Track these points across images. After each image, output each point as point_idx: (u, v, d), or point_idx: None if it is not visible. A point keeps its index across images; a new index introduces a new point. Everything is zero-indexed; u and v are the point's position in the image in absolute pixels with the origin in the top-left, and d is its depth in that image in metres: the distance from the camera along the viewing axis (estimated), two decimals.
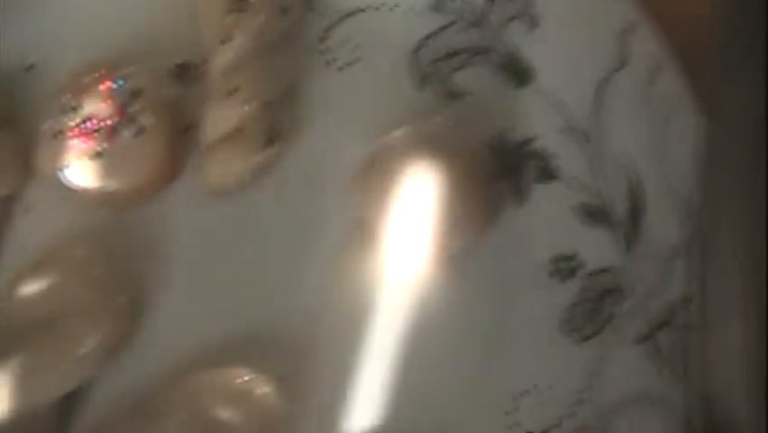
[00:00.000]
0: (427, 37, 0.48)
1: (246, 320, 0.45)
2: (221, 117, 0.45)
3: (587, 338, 0.44)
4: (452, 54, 0.47)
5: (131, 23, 0.48)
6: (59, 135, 0.44)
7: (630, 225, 0.44)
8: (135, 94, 0.44)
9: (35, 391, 0.42)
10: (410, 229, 0.43)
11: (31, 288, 0.44)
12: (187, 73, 0.47)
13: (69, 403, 0.44)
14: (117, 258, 0.45)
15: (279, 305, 0.45)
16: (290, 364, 0.43)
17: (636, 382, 0.43)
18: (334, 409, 0.43)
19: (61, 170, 0.44)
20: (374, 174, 0.44)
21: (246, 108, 0.44)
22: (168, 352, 0.44)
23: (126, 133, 0.44)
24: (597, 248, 0.45)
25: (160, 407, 0.43)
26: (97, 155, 0.44)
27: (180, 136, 0.46)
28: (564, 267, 0.45)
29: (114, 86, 0.44)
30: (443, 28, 0.48)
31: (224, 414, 0.43)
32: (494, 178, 0.45)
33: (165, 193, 0.46)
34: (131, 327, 0.44)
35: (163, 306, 0.45)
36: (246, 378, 0.43)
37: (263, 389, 0.43)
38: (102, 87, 0.44)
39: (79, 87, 0.45)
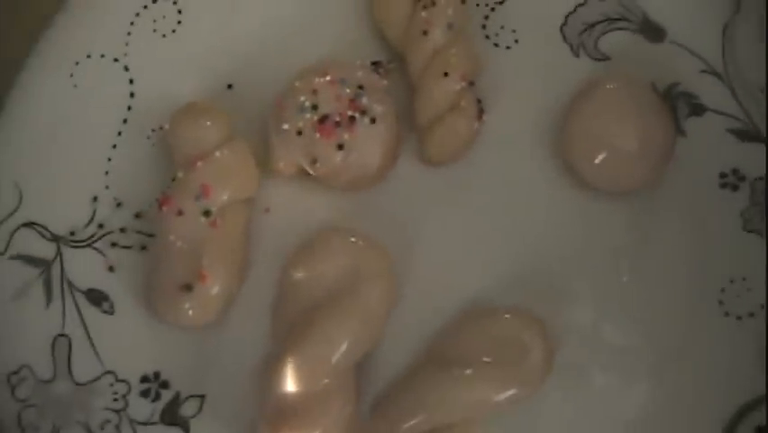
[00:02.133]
0: (569, 14, 0.56)
1: (494, 268, 0.51)
2: (439, 97, 0.51)
3: None
4: (593, 24, 0.56)
5: (316, 39, 0.54)
6: (302, 133, 0.49)
7: None
8: (360, 88, 0.50)
9: (341, 355, 0.47)
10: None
11: (310, 268, 0.48)
12: (381, 70, 0.54)
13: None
14: (370, 233, 0.50)
15: (520, 252, 0.51)
16: (546, 305, 0.50)
17: None
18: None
19: (313, 162, 0.49)
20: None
21: (459, 87, 0.51)
22: (434, 305, 0.50)
23: (363, 123, 0.50)
24: (754, 160, 0.53)
25: (445, 350, 0.48)
26: (340, 145, 0.49)
27: (399, 122, 0.52)
28: (731, 180, 0.53)
29: (341, 83, 0.50)
30: (582, 4, 0.56)
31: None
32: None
33: (394, 172, 0.52)
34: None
35: (420, 267, 0.50)
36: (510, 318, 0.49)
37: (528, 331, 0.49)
38: (332, 86, 0.50)
39: (312, 88, 0.50)
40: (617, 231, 0.53)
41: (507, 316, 0.49)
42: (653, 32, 0.55)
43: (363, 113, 0.50)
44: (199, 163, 0.49)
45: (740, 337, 0.51)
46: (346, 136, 0.49)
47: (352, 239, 0.49)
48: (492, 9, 0.56)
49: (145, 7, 0.54)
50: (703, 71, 0.54)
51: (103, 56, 0.53)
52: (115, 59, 0.53)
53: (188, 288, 0.48)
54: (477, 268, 0.51)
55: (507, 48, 0.55)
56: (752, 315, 0.51)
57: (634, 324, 0.51)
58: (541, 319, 0.49)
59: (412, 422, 0.47)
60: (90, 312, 0.50)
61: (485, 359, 0.48)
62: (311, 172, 0.50)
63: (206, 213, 0.48)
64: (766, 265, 0.51)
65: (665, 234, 0.53)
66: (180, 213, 0.48)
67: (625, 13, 0.56)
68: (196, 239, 0.48)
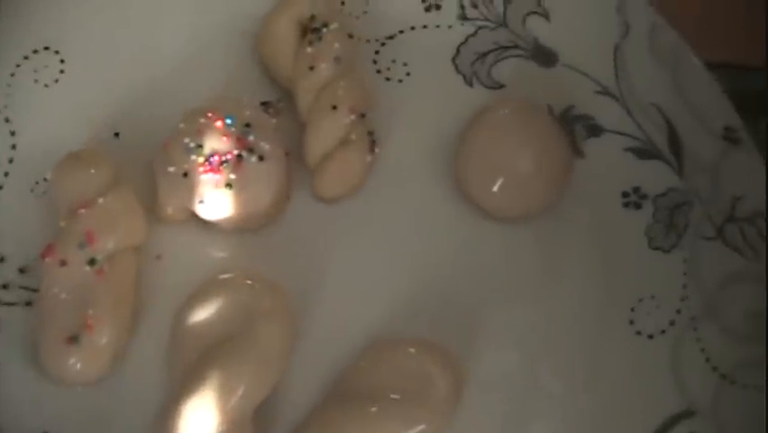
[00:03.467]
0: (460, 45, 0.56)
1: (397, 302, 0.50)
2: (328, 132, 0.50)
3: (673, 246, 0.51)
4: (485, 53, 0.56)
5: (204, 81, 0.53)
6: (188, 174, 0.48)
7: (674, 151, 0.53)
8: (247, 126, 0.49)
9: (238, 400, 0.45)
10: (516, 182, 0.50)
11: (203, 312, 0.46)
12: (270, 110, 0.53)
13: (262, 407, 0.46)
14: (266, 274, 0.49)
15: (423, 284, 0.50)
16: (453, 337, 0.49)
17: (725, 267, 0.51)
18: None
19: (200, 203, 0.48)
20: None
21: (348, 120, 0.50)
22: (337, 343, 0.48)
23: (250, 161, 0.48)
24: (654, 177, 0.53)
25: (349, 388, 0.47)
26: (228, 185, 0.48)
27: (289, 159, 0.51)
28: (633, 198, 0.53)
29: (228, 122, 0.49)
30: (473, 35, 0.56)
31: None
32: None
33: (288, 211, 0.51)
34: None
35: (321, 305, 0.49)
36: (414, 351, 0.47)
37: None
38: (218, 125, 0.49)
39: (197, 129, 0.48)
40: (521, 257, 0.52)
41: (411, 349, 0.47)
42: (545, 56, 0.55)
43: (251, 151, 0.48)
44: (82, 211, 0.47)
45: (653, 355, 0.49)
46: (233, 175, 0.48)
47: (247, 281, 0.47)
48: (382, 44, 0.55)
49: (26, 57, 0.53)
50: (598, 92, 0.54)
51: None
52: None
53: (75, 339, 0.45)
54: (379, 302, 0.50)
55: (400, 81, 0.55)
56: (663, 332, 0.50)
57: (545, 350, 0.50)
58: (447, 349, 0.47)
59: None
60: None
61: (392, 396, 0.46)
62: (200, 215, 0.49)
63: (92, 261, 0.46)
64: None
65: (571, 257, 0.52)
66: (64, 263, 0.46)
67: (516, 40, 0.55)
68: (82, 289, 0.46)
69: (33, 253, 0.49)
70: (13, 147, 0.52)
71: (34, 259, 0.49)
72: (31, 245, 0.49)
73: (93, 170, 0.48)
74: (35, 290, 0.48)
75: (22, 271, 0.49)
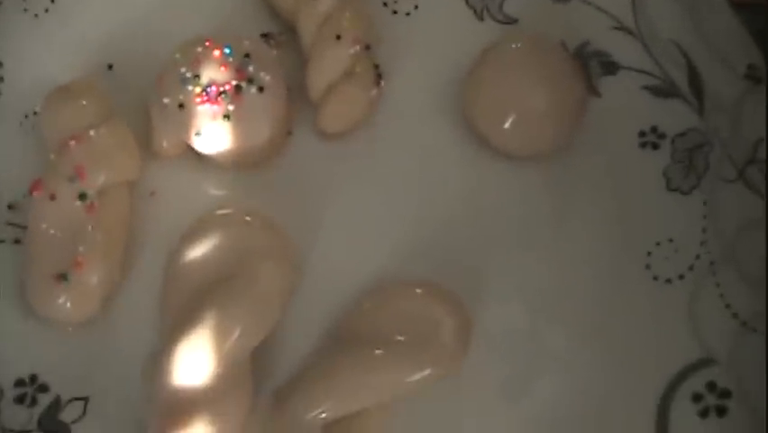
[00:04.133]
0: None
1: (402, 242, 0.47)
2: (331, 63, 0.48)
3: (693, 188, 0.49)
4: None
5: (203, 13, 0.51)
6: (184, 106, 0.46)
7: (694, 90, 0.51)
8: (246, 56, 0.46)
9: (234, 342, 0.43)
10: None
11: (198, 250, 0.44)
12: (271, 42, 0.50)
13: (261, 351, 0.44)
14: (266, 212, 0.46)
15: (429, 225, 0.48)
16: (460, 279, 0.46)
17: (745, 211, 0.48)
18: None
19: (197, 135, 0.46)
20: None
21: (353, 51, 0.48)
22: (340, 284, 0.46)
23: (249, 92, 0.46)
24: (673, 117, 0.50)
25: (352, 331, 0.44)
26: (226, 116, 0.46)
27: (289, 93, 0.48)
28: (651, 138, 0.50)
29: (227, 51, 0.46)
30: None
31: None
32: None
33: (289, 147, 0.48)
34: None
35: (323, 245, 0.46)
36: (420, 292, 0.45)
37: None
38: (215, 55, 0.46)
39: (193, 59, 0.46)
40: (531, 198, 0.49)
41: (417, 290, 0.45)
42: None
43: (250, 81, 0.46)
44: (72, 143, 0.45)
45: (671, 301, 0.47)
46: (232, 106, 0.45)
47: (245, 217, 0.45)
48: None
49: None
50: (614, 28, 0.52)
51: None
52: None
53: (63, 277, 0.43)
54: (384, 243, 0.47)
55: (407, 14, 0.52)
56: (681, 277, 0.48)
57: (557, 295, 0.48)
58: (454, 292, 0.45)
59: (317, 411, 0.43)
60: None
61: (397, 338, 0.44)
62: (196, 148, 0.46)
63: (82, 196, 0.44)
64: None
65: (585, 199, 0.49)
66: (53, 197, 0.44)
67: None
68: (72, 225, 0.44)
69: (22, 189, 0.47)
70: (1, 79, 0.49)
71: (24, 195, 0.47)
72: (20, 181, 0.47)
73: (84, 102, 0.46)
74: (24, 228, 0.46)
75: (10, 207, 0.47)
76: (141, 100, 0.48)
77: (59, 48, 0.50)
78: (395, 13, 0.52)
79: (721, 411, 0.44)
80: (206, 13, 0.51)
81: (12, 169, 0.48)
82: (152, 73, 0.48)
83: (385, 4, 0.52)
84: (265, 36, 0.50)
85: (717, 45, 0.51)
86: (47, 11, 0.50)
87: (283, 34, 0.50)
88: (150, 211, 0.47)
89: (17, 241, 0.47)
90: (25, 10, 0.50)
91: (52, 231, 0.44)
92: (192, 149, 0.47)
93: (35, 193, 0.44)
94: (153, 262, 0.46)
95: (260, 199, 0.47)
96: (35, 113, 0.48)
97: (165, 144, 0.47)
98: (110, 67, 0.50)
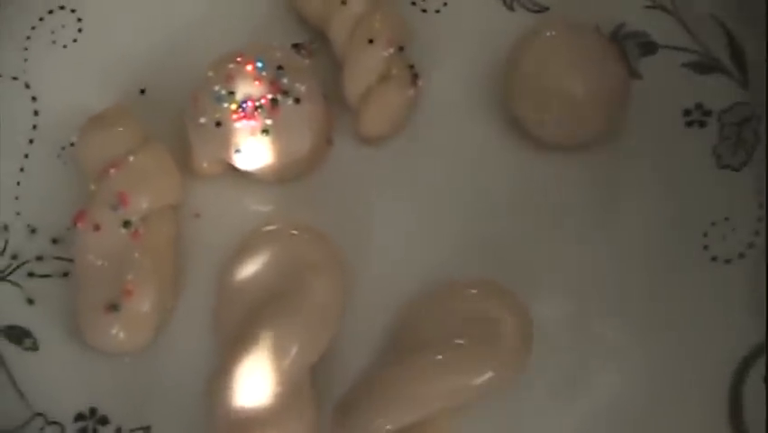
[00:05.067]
0: None
1: (453, 243, 0.46)
2: (367, 67, 0.47)
3: (743, 163, 0.48)
4: None
5: (231, 30, 0.50)
6: (222, 124, 0.45)
7: (736, 62, 0.49)
8: (280, 68, 0.46)
9: (293, 360, 0.42)
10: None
11: (248, 269, 0.44)
12: (303, 51, 0.49)
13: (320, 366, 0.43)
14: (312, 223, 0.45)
15: (478, 222, 0.47)
16: (515, 276, 0.45)
17: None
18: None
19: (237, 152, 0.45)
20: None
21: (387, 54, 0.47)
22: (393, 291, 0.45)
23: (286, 104, 0.45)
24: (717, 92, 0.49)
25: (409, 338, 0.43)
26: (265, 131, 0.45)
27: (326, 101, 0.47)
28: (696, 116, 0.49)
29: (259, 65, 0.46)
30: None
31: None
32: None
33: (331, 156, 0.47)
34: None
35: (372, 253, 0.46)
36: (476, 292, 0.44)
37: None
38: (248, 70, 0.45)
39: (226, 75, 0.45)
40: (580, 187, 0.48)
41: (473, 291, 0.44)
42: None
43: (286, 93, 0.45)
44: (112, 171, 0.44)
45: (732, 282, 0.46)
46: (269, 121, 0.45)
47: (293, 231, 0.44)
48: None
49: (41, 19, 0.50)
50: (648, 7, 0.51)
51: (0, 76, 0.49)
52: (14, 78, 0.49)
53: (114, 307, 0.43)
54: (434, 245, 0.46)
55: (437, 12, 0.51)
56: (741, 256, 0.46)
57: (615, 284, 0.46)
58: (511, 291, 0.44)
59: (381, 422, 0.42)
60: (11, 351, 0.45)
61: (456, 341, 0.43)
62: (237, 166, 0.46)
63: (126, 224, 0.44)
64: None
65: (635, 183, 0.48)
66: (97, 228, 0.44)
67: None
68: (119, 254, 0.43)
69: (65, 221, 0.46)
70: (36, 113, 0.49)
71: (67, 228, 0.46)
72: (62, 214, 0.47)
73: (120, 129, 0.46)
74: (71, 261, 0.46)
75: (54, 241, 0.47)
76: (177, 122, 0.48)
77: (90, 77, 0.50)
78: (424, 11, 0.51)
79: None
80: (235, 28, 0.50)
81: (53, 202, 0.47)
82: (186, 94, 0.47)
83: (413, 3, 0.51)
84: (296, 46, 0.49)
85: (755, 13, 0.49)
86: (75, 41, 0.50)
87: (314, 42, 0.50)
88: (196, 233, 0.47)
89: (65, 274, 0.46)
90: (54, 42, 0.50)
91: (99, 261, 0.44)
92: (233, 166, 0.46)
93: (79, 225, 0.44)
94: (204, 284, 0.46)
95: (306, 211, 0.46)
96: (72, 144, 0.48)
97: (205, 164, 0.46)
98: (143, 91, 0.49)
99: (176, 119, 0.48)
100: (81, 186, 0.47)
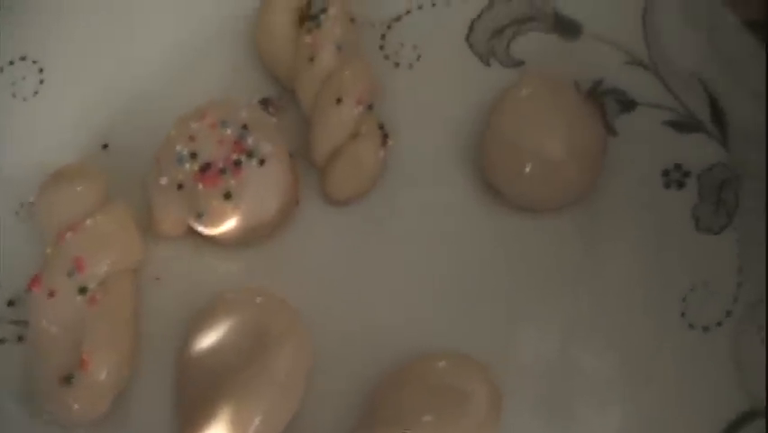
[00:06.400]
0: (474, 20, 0.51)
1: (423, 311, 0.45)
2: (335, 127, 0.46)
3: (724, 227, 0.46)
4: (501, 29, 0.51)
5: (199, 84, 0.49)
6: (183, 186, 0.44)
7: (717, 122, 0.48)
8: (244, 127, 0.44)
9: (258, 428, 0.40)
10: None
11: (209, 338, 0.42)
12: (271, 108, 0.48)
13: None
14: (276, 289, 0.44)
15: (451, 289, 0.46)
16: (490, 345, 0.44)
17: None
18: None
19: (199, 216, 0.43)
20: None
21: (356, 112, 0.46)
22: (360, 361, 0.44)
23: (250, 166, 0.44)
24: (697, 152, 0.48)
25: (377, 412, 0.42)
26: (228, 195, 0.43)
27: (293, 160, 0.46)
28: (675, 176, 0.48)
29: (222, 125, 0.44)
30: (487, 8, 0.51)
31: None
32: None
33: (296, 218, 0.46)
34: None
35: (339, 320, 0.44)
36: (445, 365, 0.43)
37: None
38: (212, 129, 0.44)
39: (189, 135, 0.44)
40: (556, 250, 0.47)
41: (441, 363, 0.42)
42: (567, 28, 0.50)
43: (250, 155, 0.44)
44: (69, 234, 0.43)
45: (712, 351, 0.44)
46: (233, 183, 0.43)
47: (256, 298, 0.43)
48: (388, 26, 0.50)
49: (1, 70, 0.48)
50: (627, 63, 0.49)
51: None
52: None
53: (68, 380, 0.41)
54: (403, 313, 0.45)
55: (410, 66, 0.50)
56: (719, 324, 0.45)
57: (593, 350, 0.45)
58: (481, 363, 0.43)
59: None
60: None
61: (425, 418, 0.41)
62: (200, 230, 0.44)
63: (82, 290, 0.42)
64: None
65: (612, 246, 0.47)
66: (52, 294, 0.42)
67: (534, 12, 0.50)
68: (74, 322, 0.42)
69: (22, 283, 0.45)
70: None
71: (25, 289, 0.44)
72: (19, 275, 0.45)
73: (80, 187, 0.44)
74: (27, 323, 0.44)
75: (10, 303, 0.45)
76: (140, 178, 0.46)
77: (51, 131, 0.48)
78: (397, 65, 0.50)
79: None
80: (202, 81, 0.49)
81: (11, 262, 0.46)
82: (150, 149, 0.46)
83: (386, 57, 0.50)
84: (264, 101, 0.48)
85: (735, 71, 0.48)
86: (36, 93, 0.48)
87: (282, 98, 0.48)
88: (156, 297, 0.45)
89: (21, 338, 0.45)
90: (14, 95, 0.48)
91: (54, 329, 0.42)
92: (195, 228, 0.45)
93: (34, 290, 0.42)
94: (163, 350, 0.44)
95: (271, 276, 0.45)
96: (30, 201, 0.46)
97: (167, 226, 0.45)
98: (105, 146, 0.48)
99: (139, 175, 0.47)
100: (40, 245, 0.45)
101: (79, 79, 0.49)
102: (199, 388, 0.42)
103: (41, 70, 0.49)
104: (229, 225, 0.44)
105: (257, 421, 0.40)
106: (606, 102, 0.49)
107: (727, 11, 0.48)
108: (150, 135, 0.47)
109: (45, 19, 0.48)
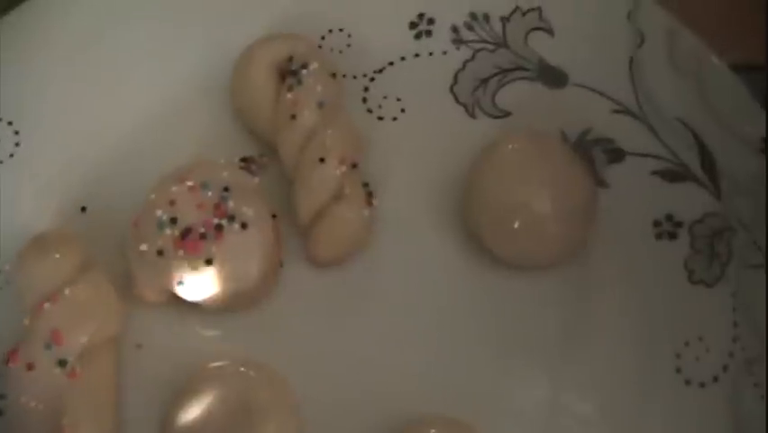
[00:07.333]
0: (458, 72, 0.50)
1: (413, 375, 0.44)
2: (318, 187, 0.45)
3: (717, 279, 0.46)
4: (486, 79, 0.50)
5: (179, 144, 0.48)
6: (164, 252, 0.42)
7: (708, 171, 0.47)
8: (226, 190, 0.43)
9: None
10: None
11: (192, 412, 0.41)
12: (252, 167, 0.47)
13: None
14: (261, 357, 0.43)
15: (441, 352, 0.45)
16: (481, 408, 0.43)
17: None
18: None
19: (180, 284, 0.42)
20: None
21: (339, 172, 0.45)
22: (348, 429, 0.42)
23: (232, 230, 0.43)
24: (688, 202, 0.47)
25: None
26: (209, 261, 0.42)
27: (276, 222, 0.45)
28: (667, 227, 0.47)
29: (203, 188, 0.43)
30: (470, 60, 0.50)
31: None
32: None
33: (280, 282, 0.45)
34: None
35: (326, 388, 0.43)
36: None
37: None
38: (192, 193, 0.43)
39: (169, 199, 0.43)
40: (548, 307, 0.46)
41: (432, 431, 0.41)
42: (552, 77, 0.49)
43: (232, 218, 0.43)
44: (46, 305, 0.41)
45: (708, 407, 0.43)
46: (214, 249, 0.42)
47: (241, 369, 0.42)
48: (371, 79, 0.49)
49: None
50: (615, 111, 0.49)
51: None
52: None
53: None
54: (392, 378, 0.44)
55: (394, 119, 0.49)
56: (716, 379, 0.44)
57: (584, 410, 0.44)
58: (471, 427, 0.42)
59: None
60: None
61: None
62: (181, 297, 0.43)
63: (61, 363, 0.41)
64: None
65: (603, 301, 0.46)
66: (30, 367, 0.41)
67: (519, 61, 0.50)
68: (54, 395, 0.41)
69: (0, 355, 0.43)
70: None
71: (2, 362, 0.43)
72: None
73: (57, 255, 0.43)
74: (4, 397, 0.43)
75: None
76: (120, 241, 0.45)
77: (27, 193, 0.47)
78: (380, 119, 0.49)
79: None
80: (182, 140, 0.48)
81: None
82: (129, 211, 0.45)
83: (369, 111, 0.49)
84: (245, 160, 0.47)
85: (725, 119, 0.47)
86: (12, 156, 0.47)
87: (265, 156, 0.47)
88: (138, 365, 0.44)
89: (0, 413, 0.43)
90: None
91: (33, 403, 0.41)
92: (176, 295, 0.43)
93: (11, 364, 0.41)
94: (146, 422, 0.43)
95: (257, 341, 0.44)
96: (6, 268, 0.45)
97: (147, 293, 0.43)
98: (83, 209, 0.47)
99: (119, 237, 0.45)
100: (19, 313, 0.44)
101: (56, 141, 0.48)
102: None
103: (16, 132, 0.47)
104: (211, 291, 0.43)
105: None
106: (594, 152, 0.48)
107: (715, 56, 0.47)
108: (129, 196, 0.46)
109: (20, 80, 0.47)
